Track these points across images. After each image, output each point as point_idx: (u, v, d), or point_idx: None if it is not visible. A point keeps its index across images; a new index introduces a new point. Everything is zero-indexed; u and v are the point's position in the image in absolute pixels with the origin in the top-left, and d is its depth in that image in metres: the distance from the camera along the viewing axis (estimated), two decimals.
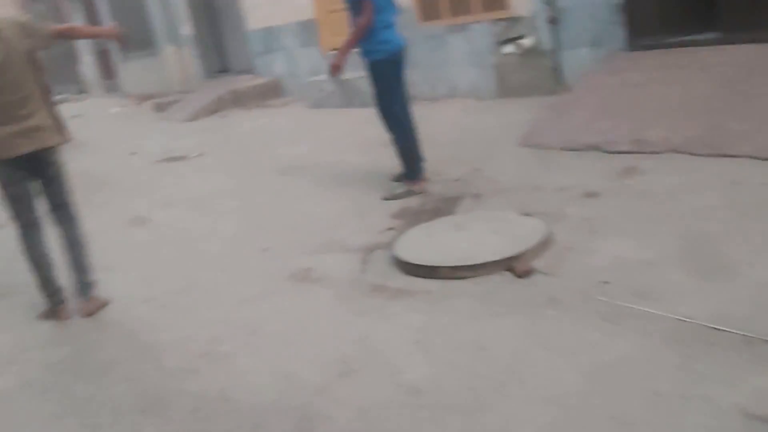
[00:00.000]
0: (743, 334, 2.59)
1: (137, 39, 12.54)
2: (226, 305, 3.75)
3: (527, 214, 4.14)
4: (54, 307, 3.82)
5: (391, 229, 4.49)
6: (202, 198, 6.08)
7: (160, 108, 12.16)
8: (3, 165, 3.51)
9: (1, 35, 3.41)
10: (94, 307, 3.84)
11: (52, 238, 3.85)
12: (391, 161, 5.37)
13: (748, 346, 2.53)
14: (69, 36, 3.84)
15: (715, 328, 2.66)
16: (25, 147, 3.51)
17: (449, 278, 3.55)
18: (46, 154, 3.62)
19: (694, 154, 4.64)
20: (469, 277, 3.50)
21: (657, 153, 4.81)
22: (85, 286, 3.86)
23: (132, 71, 14.56)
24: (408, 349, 2.95)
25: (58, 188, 3.74)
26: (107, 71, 15.74)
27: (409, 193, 5.07)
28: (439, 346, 2.93)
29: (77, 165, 7.90)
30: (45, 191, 3.72)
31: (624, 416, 2.27)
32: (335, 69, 5.12)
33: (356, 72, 9.47)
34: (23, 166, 3.57)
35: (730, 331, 2.62)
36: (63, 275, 3.88)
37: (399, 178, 5.27)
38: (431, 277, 3.60)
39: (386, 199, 5.07)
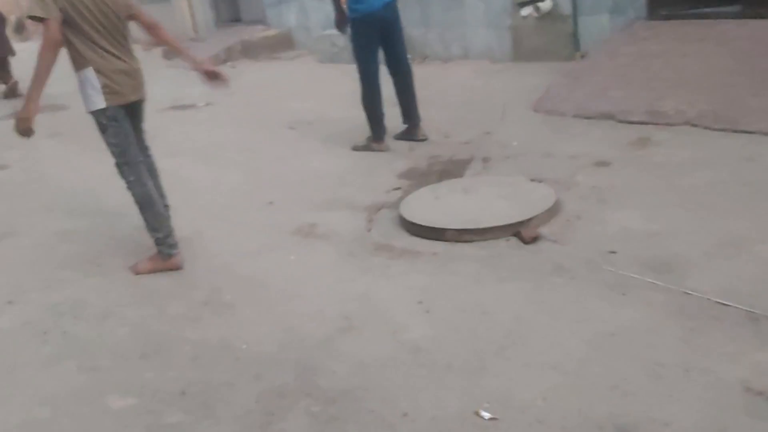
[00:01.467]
0: (748, 310, 2.57)
1: None
2: (230, 256, 3.74)
3: (536, 180, 4.10)
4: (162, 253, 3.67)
5: (397, 188, 4.46)
6: (209, 148, 6.04)
7: (169, 55, 12.03)
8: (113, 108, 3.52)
9: None
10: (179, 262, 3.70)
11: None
12: (398, 119, 5.32)
13: (753, 322, 2.51)
14: (150, 33, 3.77)
15: (721, 303, 2.65)
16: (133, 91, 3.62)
17: (455, 241, 3.53)
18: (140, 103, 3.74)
19: (709, 128, 4.58)
20: (475, 241, 3.48)
21: (671, 125, 4.75)
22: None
23: None
24: (410, 309, 2.94)
25: None
26: None
27: (368, 148, 5.31)
28: (441, 307, 2.92)
29: (82, 108, 7.86)
30: None
31: (625, 385, 2.26)
32: (339, 22, 5.30)
33: None
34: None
35: (735, 306, 2.61)
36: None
37: (400, 136, 5.37)
38: (437, 239, 3.58)
39: (352, 148, 5.39)
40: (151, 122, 7.11)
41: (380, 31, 5.07)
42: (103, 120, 3.46)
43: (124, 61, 3.52)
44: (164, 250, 3.64)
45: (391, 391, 2.41)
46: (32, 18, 3.23)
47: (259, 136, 6.26)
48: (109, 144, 3.54)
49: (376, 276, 3.31)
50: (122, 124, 3.52)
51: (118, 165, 3.58)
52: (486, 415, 2.22)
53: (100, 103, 3.43)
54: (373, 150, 5.28)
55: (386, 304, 3.03)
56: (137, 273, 3.66)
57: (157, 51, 12.58)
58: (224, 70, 4.61)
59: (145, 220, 3.64)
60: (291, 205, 4.40)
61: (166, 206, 3.84)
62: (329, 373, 2.57)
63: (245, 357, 2.75)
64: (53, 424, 2.50)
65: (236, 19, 12.93)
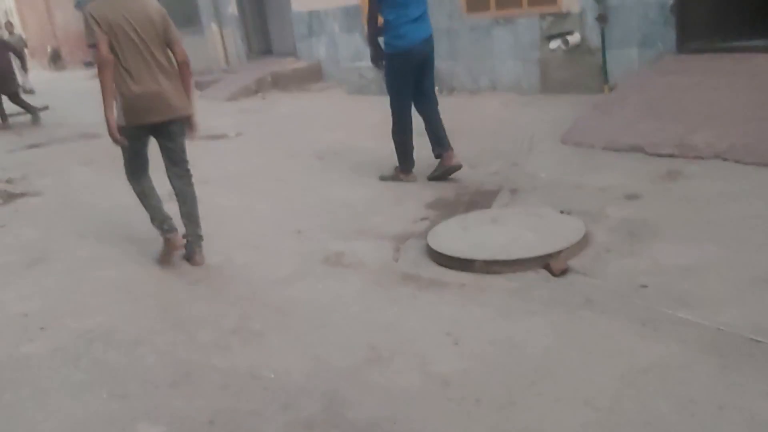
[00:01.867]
0: None
1: (182, 15, 12.62)
2: (259, 284, 3.76)
3: (566, 212, 4.08)
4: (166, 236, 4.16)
5: (425, 218, 4.47)
6: (239, 177, 6.12)
7: (201, 86, 12.26)
8: (129, 127, 3.95)
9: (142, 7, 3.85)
10: (201, 259, 4.15)
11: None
12: (428, 151, 5.34)
13: None
14: (179, 65, 4.02)
15: (754, 339, 2.60)
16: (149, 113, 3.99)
17: (483, 272, 3.52)
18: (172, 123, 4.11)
19: (740, 162, 4.54)
20: (504, 273, 3.47)
21: (701, 158, 4.71)
22: (196, 237, 4.18)
23: None
24: (438, 340, 2.93)
25: None
26: None
27: (395, 178, 5.37)
28: (470, 339, 2.91)
29: None
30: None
31: (658, 422, 2.23)
32: (375, 63, 5.26)
33: None
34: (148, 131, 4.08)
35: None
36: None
37: (434, 176, 5.27)
38: (465, 270, 3.57)
39: (380, 178, 5.44)
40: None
41: (417, 65, 5.08)
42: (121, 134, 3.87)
43: (146, 85, 3.84)
44: (163, 234, 4.13)
45: (419, 424, 2.40)
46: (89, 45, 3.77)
47: (288, 166, 6.32)
48: (123, 155, 4.07)
49: (403, 306, 3.31)
50: (133, 142, 3.94)
51: (126, 173, 4.16)
52: None
53: (121, 121, 3.84)
54: (400, 180, 5.31)
55: (414, 335, 3.02)
56: (160, 264, 4.16)
57: None
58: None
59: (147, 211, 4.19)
60: (319, 233, 4.43)
61: (199, 237, 4.18)
62: (356, 403, 2.56)
63: (273, 386, 2.75)
64: None
65: (267, 52, 13.17)
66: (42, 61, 26.16)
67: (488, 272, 3.50)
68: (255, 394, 2.71)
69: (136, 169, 4.12)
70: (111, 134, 3.83)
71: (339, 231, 4.42)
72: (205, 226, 4.17)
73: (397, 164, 5.38)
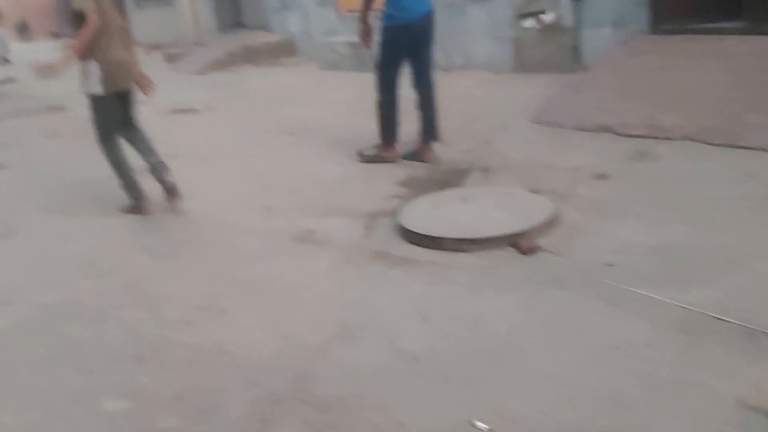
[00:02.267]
0: (745, 326, 2.57)
1: None
2: (228, 260, 3.73)
3: (535, 192, 4.10)
4: (136, 202, 4.58)
5: (396, 196, 4.46)
6: (209, 152, 6.04)
7: (171, 59, 12.07)
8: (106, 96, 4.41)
9: None
10: (171, 177, 4.60)
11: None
12: (401, 128, 5.32)
13: (749, 337, 2.51)
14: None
15: (718, 318, 2.64)
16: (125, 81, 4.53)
17: (453, 250, 3.53)
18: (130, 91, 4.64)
19: (709, 143, 4.59)
20: (473, 251, 3.48)
21: (671, 139, 4.76)
22: (159, 165, 4.60)
23: (145, 19, 14.39)
24: (408, 318, 2.94)
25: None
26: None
27: (377, 158, 5.15)
28: (439, 316, 2.92)
29: (82, 110, 7.86)
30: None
31: (620, 397, 2.26)
32: (366, 36, 5.11)
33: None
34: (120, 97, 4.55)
35: (732, 322, 2.60)
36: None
37: (409, 157, 5.16)
38: (435, 248, 3.58)
39: (360, 160, 5.23)
40: (152, 125, 7.13)
41: (414, 41, 4.95)
42: (97, 103, 4.37)
43: (119, 55, 4.35)
44: (130, 200, 4.56)
45: (386, 399, 2.40)
46: (81, 10, 4.11)
47: (259, 141, 6.26)
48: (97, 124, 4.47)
49: (373, 284, 3.31)
50: (110, 110, 4.43)
51: (100, 141, 4.50)
52: (481, 425, 2.21)
53: (100, 91, 4.29)
54: (383, 161, 5.13)
55: (384, 312, 3.02)
56: (123, 212, 4.56)
57: (159, 54, 12.62)
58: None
59: (118, 178, 4.56)
60: (289, 210, 4.40)
61: (161, 162, 4.61)
62: (325, 380, 2.56)
63: (240, 363, 2.74)
64: (46, 427, 2.48)
65: (239, 25, 12.97)
66: (8, 31, 25.52)
67: (458, 250, 3.51)
68: (222, 371, 2.69)
69: (110, 135, 4.51)
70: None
71: (310, 208, 4.40)
72: None
73: (379, 140, 5.21)
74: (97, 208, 4.72)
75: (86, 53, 4.21)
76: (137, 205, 4.54)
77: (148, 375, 2.72)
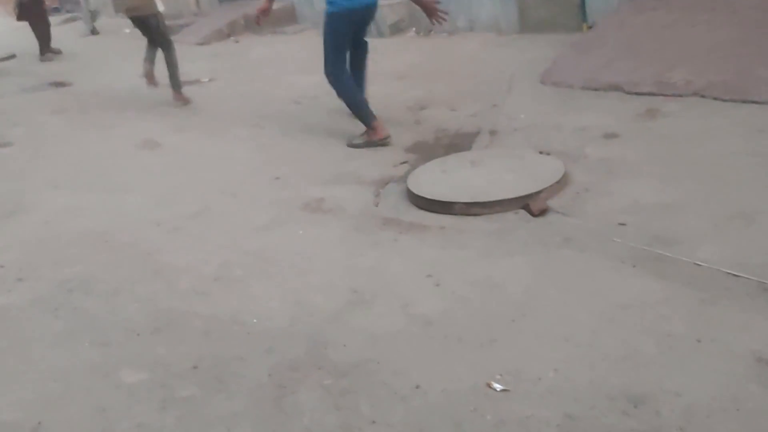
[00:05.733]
0: (759, 281, 2.57)
1: None
2: (239, 231, 3.74)
3: (545, 153, 4.08)
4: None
5: (404, 162, 4.45)
6: (214, 124, 6.02)
7: (173, 31, 11.93)
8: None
9: None
10: (180, 90, 6.87)
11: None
12: (407, 94, 5.28)
13: (764, 292, 2.51)
14: None
15: (732, 274, 2.64)
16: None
17: (463, 214, 3.52)
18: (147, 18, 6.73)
19: (718, 99, 4.54)
20: (484, 214, 3.47)
21: (680, 96, 4.71)
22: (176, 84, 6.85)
23: None
24: (420, 282, 2.94)
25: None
26: None
27: (369, 144, 4.85)
28: (451, 280, 2.92)
29: (86, 85, 7.84)
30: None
31: (636, 356, 2.27)
32: (262, 13, 5.08)
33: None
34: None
35: (746, 278, 2.60)
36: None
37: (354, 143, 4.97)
38: (445, 213, 3.57)
39: (348, 145, 4.95)
40: (156, 97, 7.12)
41: (356, 27, 4.85)
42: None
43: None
44: (146, 67, 6.96)
45: (402, 363, 2.42)
46: None
47: (264, 111, 6.22)
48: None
49: (384, 250, 3.31)
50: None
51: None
52: (498, 386, 2.23)
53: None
54: (376, 145, 4.82)
55: (396, 277, 3.03)
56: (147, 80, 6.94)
57: None
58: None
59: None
60: (298, 180, 4.39)
61: (178, 83, 6.91)
62: (340, 346, 2.58)
63: (256, 331, 2.76)
64: (66, 399, 2.51)
65: None
66: (7, 8, 25.30)
67: (468, 214, 3.51)
68: (238, 340, 2.72)
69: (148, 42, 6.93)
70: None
71: (318, 177, 4.39)
72: (181, 176, 4.12)
73: (364, 127, 4.92)
74: (105, 183, 4.72)
75: None
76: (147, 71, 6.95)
77: (165, 346, 2.74)
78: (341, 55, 4.90)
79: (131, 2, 6.64)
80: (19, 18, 10.92)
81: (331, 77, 4.92)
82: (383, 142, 4.82)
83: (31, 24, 10.99)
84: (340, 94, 5.00)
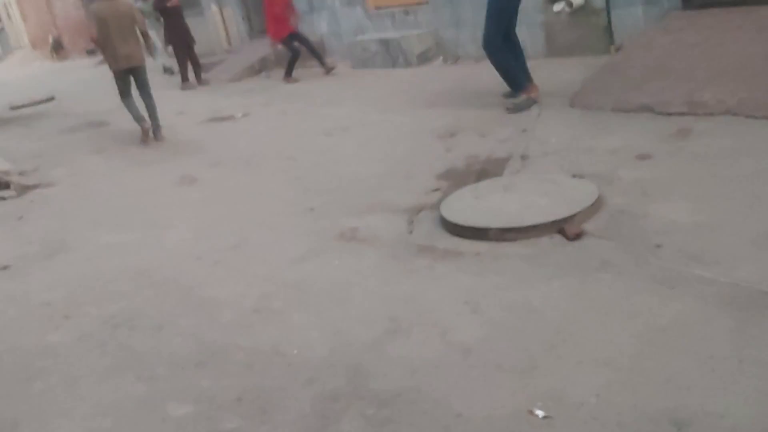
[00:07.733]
0: None
1: None
2: (276, 263, 3.80)
3: (578, 176, 4.09)
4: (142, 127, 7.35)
5: (436, 190, 4.48)
6: (249, 158, 6.14)
7: (205, 68, 12.23)
8: (118, 71, 7.36)
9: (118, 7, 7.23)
10: (161, 137, 7.36)
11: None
12: (437, 122, 5.34)
13: None
14: (141, 33, 7.42)
15: None
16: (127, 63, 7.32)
17: (498, 240, 3.53)
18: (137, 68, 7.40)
19: (750, 116, 4.51)
20: (519, 240, 3.48)
21: (711, 115, 4.69)
22: (156, 127, 7.43)
23: None
24: (457, 310, 2.96)
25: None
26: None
27: (529, 101, 5.74)
28: (488, 307, 2.94)
29: (123, 124, 8.05)
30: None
31: (678, 379, 2.25)
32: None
33: (400, 32, 9.38)
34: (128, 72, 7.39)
35: None
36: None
37: (510, 95, 5.91)
38: (479, 239, 3.59)
39: (509, 110, 5.75)
40: (192, 134, 7.28)
41: (516, 6, 5.88)
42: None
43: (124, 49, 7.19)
44: (139, 124, 7.32)
45: (443, 392, 2.44)
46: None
47: (297, 144, 6.34)
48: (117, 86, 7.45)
49: (420, 278, 3.34)
50: (123, 79, 7.40)
51: (120, 96, 7.46)
52: (540, 413, 2.23)
53: (114, 67, 7.33)
54: (533, 102, 5.75)
55: (433, 305, 3.05)
56: (142, 143, 7.31)
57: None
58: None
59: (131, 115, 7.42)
60: (332, 210, 4.45)
61: (159, 126, 7.42)
62: (380, 375, 2.60)
63: (297, 362, 2.80)
64: None
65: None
66: (44, 51, 26.13)
67: (503, 240, 3.52)
68: (280, 371, 2.76)
69: (125, 92, 7.43)
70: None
71: (352, 206, 4.45)
72: (219, 209, 4.20)
73: (518, 89, 5.84)
74: (145, 220, 4.84)
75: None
76: (141, 126, 7.31)
77: (209, 378, 2.80)
78: (501, 32, 5.79)
79: (124, 51, 7.11)
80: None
81: (490, 48, 5.84)
82: (539, 98, 5.79)
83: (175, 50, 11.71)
84: (498, 64, 5.91)
